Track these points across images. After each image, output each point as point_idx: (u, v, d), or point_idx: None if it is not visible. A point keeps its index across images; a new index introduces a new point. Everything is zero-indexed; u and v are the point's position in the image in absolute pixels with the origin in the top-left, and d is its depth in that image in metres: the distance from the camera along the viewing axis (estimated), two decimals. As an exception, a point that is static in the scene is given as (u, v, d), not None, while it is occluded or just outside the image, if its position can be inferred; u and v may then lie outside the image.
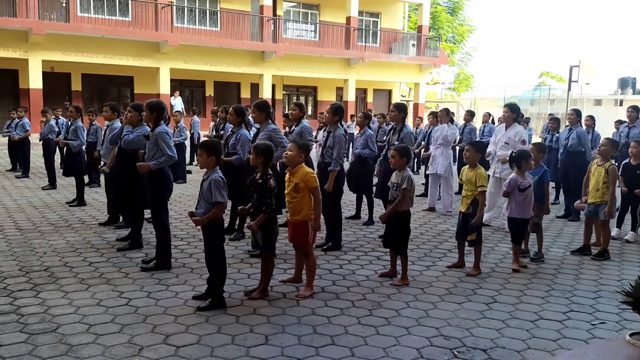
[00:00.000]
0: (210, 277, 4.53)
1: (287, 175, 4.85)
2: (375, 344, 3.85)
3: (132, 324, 4.08)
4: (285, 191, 4.83)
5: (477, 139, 12.37)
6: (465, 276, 5.54)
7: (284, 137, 6.81)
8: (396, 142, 7.46)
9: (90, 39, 20.25)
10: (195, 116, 15.40)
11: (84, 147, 9.19)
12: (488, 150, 8.21)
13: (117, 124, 7.47)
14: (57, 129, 11.01)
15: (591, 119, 9.93)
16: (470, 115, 12.49)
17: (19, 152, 12.34)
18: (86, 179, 9.67)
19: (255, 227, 4.57)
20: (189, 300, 4.60)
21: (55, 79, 21.49)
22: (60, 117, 12.68)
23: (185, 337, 3.88)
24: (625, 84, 41.64)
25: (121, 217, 7.35)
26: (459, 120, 17.22)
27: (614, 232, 7.41)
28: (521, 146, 7.61)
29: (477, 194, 5.55)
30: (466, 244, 5.77)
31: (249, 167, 6.66)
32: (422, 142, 11.40)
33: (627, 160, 7.31)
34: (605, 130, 13.68)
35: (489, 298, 4.91)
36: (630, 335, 2.39)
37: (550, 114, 17.07)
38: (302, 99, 28.04)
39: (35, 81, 19.84)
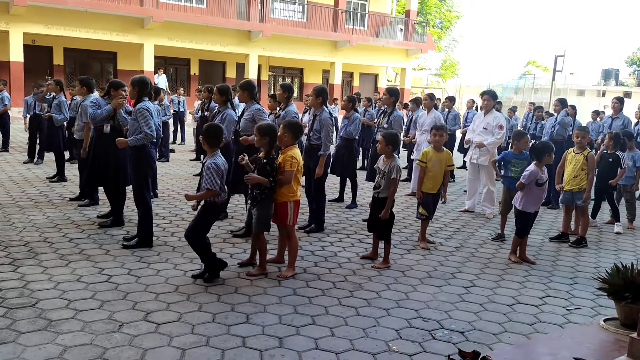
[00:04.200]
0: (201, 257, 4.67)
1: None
2: (355, 325, 3.90)
3: (113, 301, 4.07)
4: None
5: (460, 126, 12.47)
6: (445, 260, 5.60)
7: (267, 118, 6.76)
8: (385, 126, 7.48)
9: (74, 12, 19.82)
10: (181, 95, 15.25)
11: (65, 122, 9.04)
12: (467, 137, 8.27)
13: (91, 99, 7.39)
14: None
15: (573, 108, 10.07)
16: (450, 101, 12.52)
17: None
18: (67, 154, 9.54)
19: (256, 181, 4.60)
20: (170, 278, 4.60)
21: (36, 53, 21.04)
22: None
23: (166, 315, 3.88)
24: (608, 75, 42.09)
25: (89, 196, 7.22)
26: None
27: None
28: (499, 131, 7.71)
29: (448, 174, 6.07)
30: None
31: (234, 148, 6.65)
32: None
33: (605, 150, 7.45)
34: (587, 120, 13.84)
35: (468, 282, 4.98)
36: (605, 320, 2.45)
37: (531, 103, 17.18)
38: (287, 81, 27.85)
39: (16, 54, 19.41)
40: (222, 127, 4.93)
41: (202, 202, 4.62)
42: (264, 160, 4.64)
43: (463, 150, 13.37)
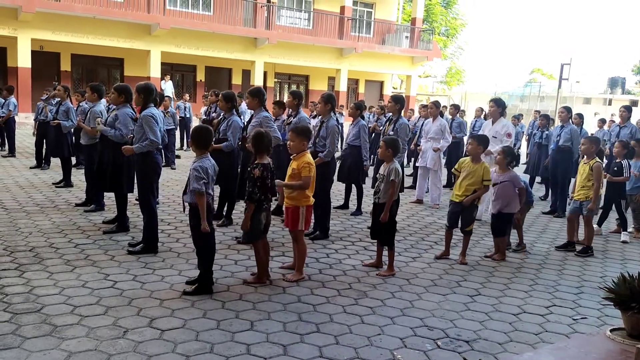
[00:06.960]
0: (199, 262, 4.51)
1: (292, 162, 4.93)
2: (360, 333, 3.88)
3: (117, 307, 4.07)
4: (287, 177, 4.90)
5: (466, 133, 12.44)
6: (450, 268, 5.58)
7: (274, 125, 6.79)
8: (391, 133, 7.48)
9: (81, 18, 19.95)
10: (187, 102, 15.28)
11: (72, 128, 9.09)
12: None
13: (100, 106, 7.48)
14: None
15: (579, 117, 10.04)
16: (455, 109, 12.50)
17: (3, 132, 12.22)
18: (73, 160, 9.59)
19: (247, 225, 4.57)
20: (175, 285, 4.60)
21: (44, 58, 21.19)
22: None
23: (171, 321, 3.88)
24: (614, 83, 42.07)
25: (97, 201, 7.24)
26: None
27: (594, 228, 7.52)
28: (507, 139, 7.70)
29: (483, 187, 5.76)
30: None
31: (241, 154, 6.68)
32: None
33: (617, 160, 7.47)
34: (594, 128, 13.82)
35: (473, 290, 4.96)
36: (611, 330, 2.43)
37: (536, 111, 17.14)
38: (293, 88, 27.94)
39: (23, 60, 19.53)
40: (211, 129, 4.80)
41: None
42: (253, 167, 4.62)
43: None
